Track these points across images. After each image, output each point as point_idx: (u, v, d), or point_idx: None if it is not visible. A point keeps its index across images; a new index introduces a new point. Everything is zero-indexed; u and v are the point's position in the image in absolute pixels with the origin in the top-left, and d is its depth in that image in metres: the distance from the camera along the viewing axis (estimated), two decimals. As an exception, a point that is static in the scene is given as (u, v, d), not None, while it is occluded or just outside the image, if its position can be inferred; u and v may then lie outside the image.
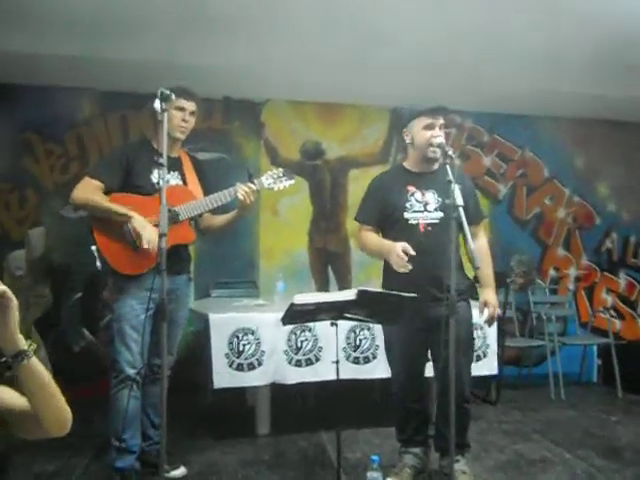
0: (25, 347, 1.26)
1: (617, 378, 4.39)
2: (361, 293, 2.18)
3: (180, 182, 2.77)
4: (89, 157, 4.34)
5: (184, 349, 3.51)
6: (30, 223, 4.25)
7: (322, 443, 3.23)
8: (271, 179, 2.79)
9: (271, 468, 2.88)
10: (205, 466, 2.91)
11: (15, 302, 1.23)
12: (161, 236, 2.05)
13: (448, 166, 2.30)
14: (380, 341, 3.33)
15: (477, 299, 2.69)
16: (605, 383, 4.72)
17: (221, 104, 4.55)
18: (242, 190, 2.63)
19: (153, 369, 2.71)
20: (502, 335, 3.84)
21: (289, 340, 3.22)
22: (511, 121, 5.00)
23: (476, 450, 2.85)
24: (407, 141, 2.65)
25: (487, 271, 2.63)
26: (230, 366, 3.13)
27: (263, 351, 3.17)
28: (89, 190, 2.55)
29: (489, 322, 2.62)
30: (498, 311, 2.59)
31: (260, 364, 3.17)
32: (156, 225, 2.12)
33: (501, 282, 3.86)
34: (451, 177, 2.25)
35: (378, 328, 3.29)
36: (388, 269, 2.60)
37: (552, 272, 5.16)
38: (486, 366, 3.45)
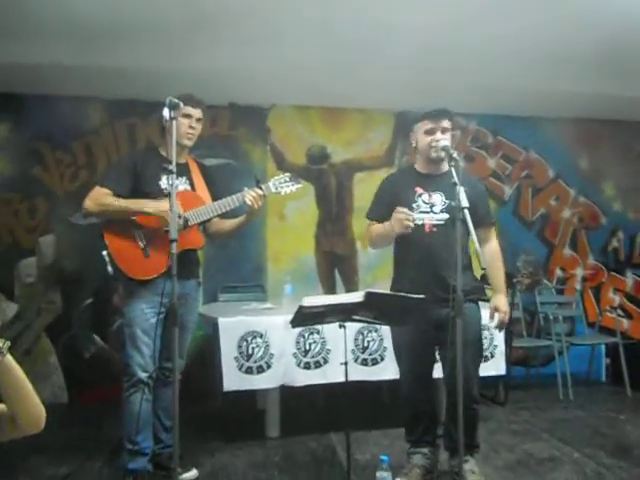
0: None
1: (625, 377, 4.39)
2: (369, 295, 2.20)
3: (188, 188, 2.81)
4: (97, 165, 4.41)
5: (193, 353, 3.54)
6: (40, 231, 4.31)
7: (332, 444, 3.26)
8: (278, 184, 2.82)
9: (281, 470, 2.91)
10: (216, 468, 2.94)
11: None
12: (172, 241, 2.10)
13: (453, 169, 2.32)
14: (388, 342, 3.36)
15: (486, 300, 2.70)
16: (614, 382, 4.72)
17: (227, 110, 4.60)
18: (250, 195, 2.67)
19: (164, 373, 2.74)
20: (510, 336, 3.85)
21: (298, 343, 3.26)
22: (515, 122, 5.03)
23: (485, 450, 2.86)
24: (413, 144, 2.69)
25: (498, 276, 2.65)
26: (239, 369, 3.16)
27: (272, 354, 3.21)
28: (101, 197, 2.59)
29: (499, 327, 2.64)
30: (505, 316, 2.59)
31: (269, 367, 3.20)
32: (167, 231, 2.16)
33: (508, 283, 3.87)
34: (456, 179, 2.28)
35: (386, 330, 3.31)
36: (397, 271, 2.62)
37: (559, 272, 5.17)
38: (494, 367, 3.47)
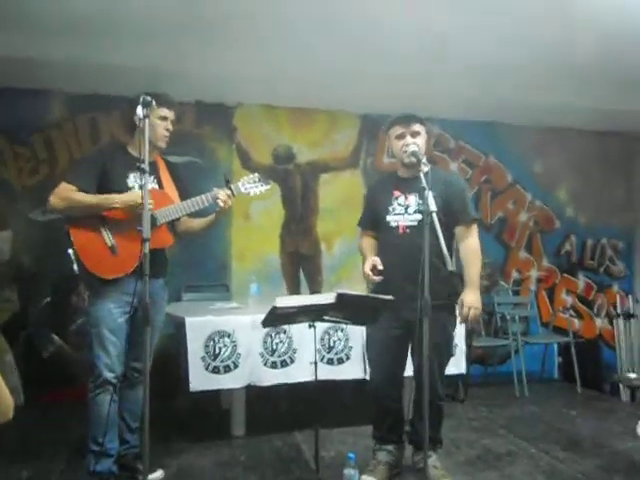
0: None
1: (577, 374, 4.59)
2: (340, 296, 2.25)
3: (156, 186, 2.78)
4: (58, 160, 4.29)
5: (156, 353, 3.50)
6: (-3, 227, 4.17)
7: (296, 443, 3.29)
8: (248, 184, 2.84)
9: (249, 469, 2.92)
10: (182, 469, 2.92)
11: None
12: (145, 241, 2.08)
13: (422, 174, 2.39)
14: (353, 342, 3.43)
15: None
16: (565, 379, 4.95)
17: (193, 107, 4.56)
18: (222, 196, 2.67)
19: (132, 373, 2.71)
20: (470, 335, 3.98)
21: (265, 342, 3.27)
22: (476, 128, 5.17)
23: (447, 446, 2.95)
24: (390, 151, 2.79)
25: (469, 271, 2.63)
26: (206, 369, 3.15)
27: (239, 354, 3.21)
28: (67, 192, 2.54)
29: (463, 321, 2.65)
30: (474, 312, 2.57)
31: (236, 366, 3.20)
32: (140, 230, 2.14)
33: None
34: (425, 184, 2.34)
35: (351, 330, 3.38)
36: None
37: (515, 274, 5.36)
38: (455, 365, 3.53)
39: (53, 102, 4.28)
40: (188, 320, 3.18)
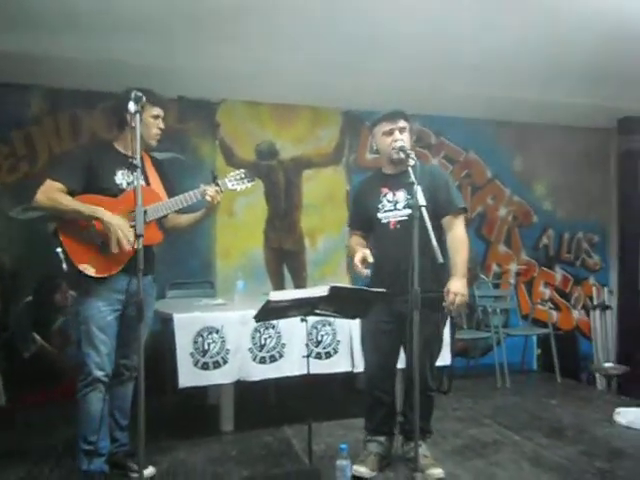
0: None
1: (556, 365, 4.71)
2: (333, 289, 2.28)
3: (143, 183, 2.75)
4: (39, 156, 4.22)
5: (144, 350, 3.48)
6: (-25, 225, 4.09)
7: (286, 437, 3.31)
8: (234, 180, 2.83)
9: (239, 463, 2.93)
10: (173, 465, 2.91)
11: None
12: (138, 237, 2.08)
13: (410, 168, 2.43)
14: (341, 336, 3.46)
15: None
16: (544, 370, 5.07)
17: (176, 103, 4.51)
18: (210, 192, 2.67)
19: (120, 370, 2.69)
20: (453, 328, 4.04)
21: (253, 338, 3.28)
22: (456, 124, 5.24)
23: (434, 436, 3.00)
24: (374, 148, 2.79)
25: (456, 259, 2.63)
26: (195, 365, 3.15)
27: (228, 349, 3.21)
28: (53, 192, 2.51)
29: (448, 308, 2.62)
30: (461, 299, 2.57)
31: (225, 362, 3.20)
32: (132, 226, 2.13)
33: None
34: (413, 179, 2.38)
35: (339, 323, 3.41)
36: (373, 266, 2.69)
37: (495, 267, 5.46)
38: (440, 357, 3.62)
39: (33, 98, 4.21)
40: (176, 316, 3.17)
